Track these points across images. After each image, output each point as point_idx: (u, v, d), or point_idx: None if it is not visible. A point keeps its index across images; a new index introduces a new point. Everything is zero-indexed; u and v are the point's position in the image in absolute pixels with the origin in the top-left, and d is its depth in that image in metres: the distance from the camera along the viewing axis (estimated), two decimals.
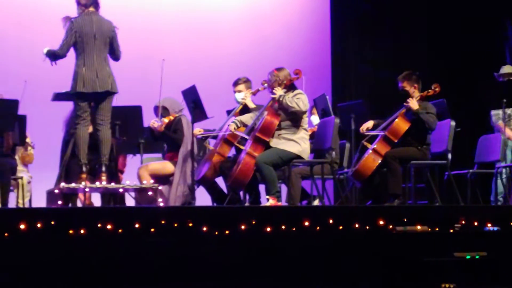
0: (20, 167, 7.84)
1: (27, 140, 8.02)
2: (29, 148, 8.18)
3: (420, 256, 6.23)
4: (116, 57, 6.72)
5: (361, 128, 7.32)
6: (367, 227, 6.20)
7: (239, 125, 7.17)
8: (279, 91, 6.98)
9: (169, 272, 5.85)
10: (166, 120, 7.46)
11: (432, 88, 7.30)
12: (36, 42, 9.06)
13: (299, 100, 6.88)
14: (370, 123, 7.30)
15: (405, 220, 6.28)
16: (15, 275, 5.56)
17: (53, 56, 6.55)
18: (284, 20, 10.29)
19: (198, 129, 7.58)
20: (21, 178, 7.36)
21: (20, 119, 7.20)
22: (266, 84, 7.28)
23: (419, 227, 6.28)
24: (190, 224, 5.87)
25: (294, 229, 6.06)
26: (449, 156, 7.33)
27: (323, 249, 6.13)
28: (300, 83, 7.60)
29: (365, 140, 7.39)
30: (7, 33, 9.36)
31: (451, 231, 6.34)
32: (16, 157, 7.70)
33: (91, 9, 6.62)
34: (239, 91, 7.57)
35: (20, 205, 7.44)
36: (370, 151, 7.20)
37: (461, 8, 9.95)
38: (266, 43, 10.12)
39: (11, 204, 7.35)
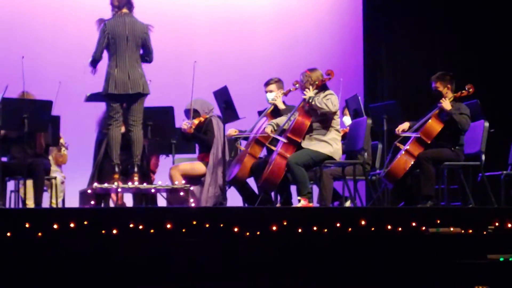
0: (53, 167, 7.92)
1: (61, 141, 8.09)
2: (63, 149, 8.26)
3: (453, 258, 6.18)
4: (148, 60, 6.74)
5: (396, 129, 7.28)
6: (400, 229, 6.17)
7: (275, 128, 7.16)
8: (309, 92, 6.97)
9: (200, 271, 5.87)
10: (196, 121, 7.48)
11: (466, 88, 7.24)
12: (70, 44, 9.20)
13: (328, 101, 6.86)
14: (406, 125, 7.26)
15: (438, 221, 6.24)
16: (48, 274, 5.61)
17: (93, 62, 6.61)
18: (316, 19, 10.26)
19: (234, 130, 7.60)
20: (55, 178, 7.42)
21: (54, 120, 7.26)
22: (297, 85, 7.27)
23: (452, 229, 6.24)
24: (222, 225, 5.88)
25: (325, 230, 6.04)
26: (483, 157, 7.26)
27: (355, 251, 6.10)
28: (337, 86, 7.58)
29: (398, 141, 7.34)
30: (41, 35, 9.44)
31: (485, 233, 6.29)
32: (50, 157, 7.77)
33: (125, 10, 6.65)
34: (271, 91, 7.57)
35: (54, 205, 7.50)
36: (403, 152, 7.16)
37: (495, 7, 9.84)
38: (298, 43, 10.10)
39: (45, 204, 7.42)
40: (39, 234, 5.61)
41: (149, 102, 6.85)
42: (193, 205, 6.73)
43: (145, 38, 6.67)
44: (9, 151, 7.21)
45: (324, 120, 6.96)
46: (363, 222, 6.10)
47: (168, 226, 5.78)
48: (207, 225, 5.85)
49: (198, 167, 7.46)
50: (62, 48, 9.33)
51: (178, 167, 7.47)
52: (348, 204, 7.51)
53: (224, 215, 6.06)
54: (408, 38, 10.17)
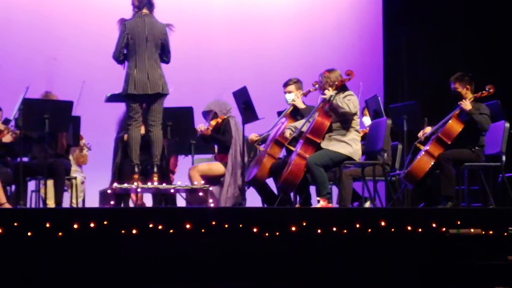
0: (74, 168, 7.96)
1: (83, 141, 8.13)
2: (85, 149, 8.30)
3: (473, 259, 6.15)
4: (166, 60, 6.76)
5: (419, 134, 7.28)
6: (420, 230, 6.14)
7: (294, 131, 7.16)
8: (329, 92, 6.96)
9: (219, 272, 5.88)
10: (213, 122, 7.50)
11: (486, 89, 7.20)
12: (93, 44, 9.24)
13: (349, 102, 6.84)
14: (427, 130, 7.25)
15: (458, 222, 6.21)
16: (68, 273, 5.65)
17: (117, 62, 6.65)
18: (335, 18, 10.24)
19: (255, 135, 7.62)
20: (75, 178, 7.46)
21: (74, 120, 7.30)
22: (317, 85, 7.26)
23: (472, 230, 6.20)
24: (241, 225, 5.88)
25: (345, 231, 6.03)
26: (503, 158, 7.22)
27: (375, 251, 6.09)
28: (357, 89, 7.55)
29: (418, 142, 7.32)
30: (64, 35, 9.49)
31: (505, 234, 6.24)
32: (71, 157, 7.81)
33: (145, 10, 6.67)
34: (289, 92, 7.57)
35: (74, 205, 7.55)
36: (423, 152, 7.13)
37: None
38: (317, 42, 10.09)
39: (65, 204, 7.46)
40: (60, 233, 5.64)
41: (168, 102, 6.87)
42: (212, 205, 6.74)
43: (164, 39, 6.69)
44: (30, 151, 7.25)
45: (344, 120, 6.94)
46: (383, 223, 6.08)
47: (188, 226, 5.80)
48: (226, 226, 5.86)
49: (217, 167, 7.47)
50: (85, 48, 9.38)
51: (197, 167, 7.48)
52: (367, 204, 7.49)
53: (243, 215, 6.06)
54: (428, 37, 10.12)
